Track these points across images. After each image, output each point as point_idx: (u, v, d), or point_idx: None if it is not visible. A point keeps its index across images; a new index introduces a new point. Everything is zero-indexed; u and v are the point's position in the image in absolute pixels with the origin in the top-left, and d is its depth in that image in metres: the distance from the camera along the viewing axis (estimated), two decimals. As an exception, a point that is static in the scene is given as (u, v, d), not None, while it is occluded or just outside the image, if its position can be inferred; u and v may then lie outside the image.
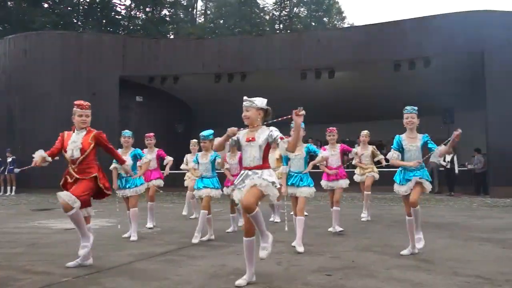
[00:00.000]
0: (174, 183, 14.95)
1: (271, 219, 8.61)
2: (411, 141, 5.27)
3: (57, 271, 4.54)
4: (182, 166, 9.33)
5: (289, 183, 6.02)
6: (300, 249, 5.52)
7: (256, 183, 3.98)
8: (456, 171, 15.73)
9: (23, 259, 5.19)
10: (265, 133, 4.12)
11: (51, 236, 7.05)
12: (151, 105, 19.95)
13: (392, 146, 5.39)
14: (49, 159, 4.84)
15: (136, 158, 7.02)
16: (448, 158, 15.56)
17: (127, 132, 7.26)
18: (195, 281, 4.13)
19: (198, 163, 6.82)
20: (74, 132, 4.90)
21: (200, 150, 7.13)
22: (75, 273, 4.43)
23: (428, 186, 5.22)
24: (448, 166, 15.70)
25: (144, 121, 18.92)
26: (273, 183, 4.02)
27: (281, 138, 4.04)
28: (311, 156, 6.27)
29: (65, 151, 4.83)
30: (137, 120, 19.07)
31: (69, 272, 4.50)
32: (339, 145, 7.40)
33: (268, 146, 4.14)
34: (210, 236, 6.60)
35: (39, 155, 4.82)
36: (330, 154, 7.26)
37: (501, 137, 14.74)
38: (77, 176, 4.75)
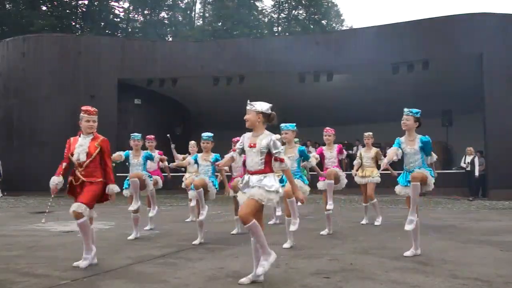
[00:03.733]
0: (172, 186, 14.96)
1: (272, 222, 8.62)
2: (410, 144, 5.29)
3: (56, 274, 4.53)
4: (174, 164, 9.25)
5: (282, 184, 6.03)
6: (288, 245, 5.89)
7: (254, 197, 4.03)
8: (476, 174, 14.98)
9: (21, 261, 5.17)
10: (266, 139, 4.13)
11: (50, 238, 7.04)
12: (150, 107, 19.95)
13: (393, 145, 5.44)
14: (61, 181, 4.91)
15: (147, 158, 7.12)
16: (469, 159, 15.32)
17: (136, 135, 7.34)
18: (193, 283, 4.13)
19: (197, 163, 6.79)
20: (80, 136, 4.98)
21: (199, 151, 7.13)
22: (73, 276, 4.43)
23: (430, 182, 5.23)
24: (469, 168, 15.19)
25: (143, 123, 18.89)
26: (274, 191, 4.07)
27: (281, 160, 4.14)
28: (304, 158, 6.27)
29: (72, 155, 4.92)
30: (135, 123, 19.06)
31: (68, 275, 4.49)
32: (336, 145, 7.40)
33: (270, 152, 4.16)
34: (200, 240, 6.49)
35: (52, 184, 4.87)
36: (327, 156, 7.28)
37: (499, 140, 14.76)
38: (84, 179, 4.82)
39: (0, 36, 27.31)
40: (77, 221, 4.73)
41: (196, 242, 6.36)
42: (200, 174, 6.70)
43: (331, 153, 7.27)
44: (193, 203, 8.45)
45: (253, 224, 3.98)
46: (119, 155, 6.90)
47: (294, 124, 6.23)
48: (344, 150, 7.58)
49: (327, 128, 7.33)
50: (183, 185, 9.55)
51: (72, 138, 5.04)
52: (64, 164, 4.98)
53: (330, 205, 6.96)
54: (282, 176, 6.17)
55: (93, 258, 4.92)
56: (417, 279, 4.20)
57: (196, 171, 9.09)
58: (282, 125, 6.14)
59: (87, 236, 4.84)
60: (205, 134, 6.63)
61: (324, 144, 7.50)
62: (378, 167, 8.74)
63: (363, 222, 8.57)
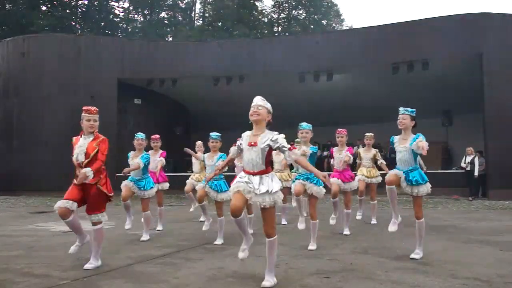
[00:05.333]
0: (173, 186, 14.93)
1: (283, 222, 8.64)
2: (402, 143, 5.30)
3: (56, 274, 4.53)
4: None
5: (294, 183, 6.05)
6: (313, 247, 5.84)
7: (266, 205, 4.00)
8: (476, 174, 14.80)
9: (21, 262, 5.18)
10: (267, 137, 4.05)
11: (50, 238, 7.04)
12: (150, 107, 19.95)
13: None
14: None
15: (148, 159, 7.07)
16: (469, 159, 15.27)
17: (140, 134, 7.24)
18: (193, 283, 4.13)
19: (205, 164, 6.80)
20: (81, 136, 4.99)
21: (206, 151, 7.12)
22: (73, 276, 4.43)
23: (427, 188, 5.19)
24: (469, 168, 15.11)
25: (143, 123, 18.91)
26: (279, 189, 4.07)
27: (290, 149, 4.08)
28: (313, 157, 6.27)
29: (72, 155, 4.94)
30: (135, 123, 19.07)
31: (68, 275, 4.49)
32: (347, 148, 7.43)
33: (271, 150, 4.08)
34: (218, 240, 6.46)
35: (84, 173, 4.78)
36: (337, 157, 7.32)
37: (499, 140, 14.76)
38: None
39: (0, 36, 27.30)
40: (94, 227, 4.84)
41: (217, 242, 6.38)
42: (207, 175, 6.64)
43: (341, 155, 7.32)
44: (192, 209, 9.11)
45: (276, 239, 4.06)
46: (137, 164, 6.77)
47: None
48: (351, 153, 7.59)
49: (339, 129, 7.43)
50: (185, 189, 9.52)
51: (74, 138, 5.05)
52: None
53: (332, 220, 7.12)
54: (297, 177, 6.16)
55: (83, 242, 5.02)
56: (417, 279, 4.20)
57: (201, 171, 9.09)
58: (303, 124, 6.14)
59: (100, 243, 4.90)
60: (214, 134, 6.59)
61: (325, 145, 7.56)
62: (378, 167, 8.83)
63: (358, 217, 8.69)
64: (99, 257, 4.90)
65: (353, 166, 8.56)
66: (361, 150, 8.88)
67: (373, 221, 8.59)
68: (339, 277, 4.32)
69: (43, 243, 6.60)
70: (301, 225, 5.99)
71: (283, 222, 8.67)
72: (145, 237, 6.87)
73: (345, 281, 4.15)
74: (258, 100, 4.15)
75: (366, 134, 8.78)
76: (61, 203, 4.76)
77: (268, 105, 4.15)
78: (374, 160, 8.71)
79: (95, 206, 4.84)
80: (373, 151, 8.75)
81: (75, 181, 4.87)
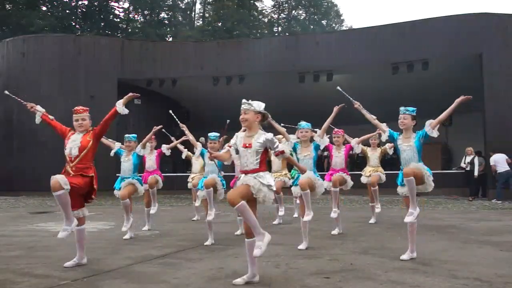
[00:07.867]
0: (172, 186, 14.97)
1: (276, 222, 8.62)
2: (406, 141, 5.26)
3: (56, 274, 4.53)
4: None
5: (296, 184, 6.04)
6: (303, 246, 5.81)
7: (249, 183, 4.01)
8: (476, 174, 14.72)
9: (21, 262, 5.18)
10: (261, 138, 4.12)
11: (50, 239, 7.03)
12: (150, 107, 19.92)
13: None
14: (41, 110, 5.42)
15: (139, 157, 7.10)
16: (468, 159, 15.31)
17: (128, 137, 7.25)
18: (193, 284, 4.13)
19: (203, 158, 6.90)
20: (75, 133, 5.04)
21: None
22: (73, 276, 4.43)
23: (429, 181, 5.17)
24: (468, 168, 15.11)
25: (143, 123, 18.88)
26: (268, 186, 4.04)
27: (282, 152, 4.21)
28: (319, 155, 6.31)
29: (65, 148, 4.94)
30: (135, 123, 19.04)
31: (68, 275, 4.49)
32: (344, 147, 7.46)
33: (266, 151, 4.17)
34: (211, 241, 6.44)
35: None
36: (335, 155, 7.36)
37: (499, 140, 14.75)
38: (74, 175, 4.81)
39: (0, 36, 27.26)
40: (55, 192, 4.50)
41: (207, 243, 6.32)
42: (207, 173, 6.66)
43: (339, 153, 7.35)
44: (197, 203, 8.35)
45: (242, 204, 3.89)
46: (112, 142, 7.09)
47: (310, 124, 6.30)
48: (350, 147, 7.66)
49: (336, 129, 7.45)
50: (189, 185, 9.57)
51: (71, 132, 5.06)
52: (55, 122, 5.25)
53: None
54: (298, 176, 6.14)
55: (73, 228, 4.76)
56: (417, 279, 4.20)
57: (201, 171, 9.07)
58: (302, 123, 6.18)
59: (67, 207, 4.63)
60: (212, 134, 6.61)
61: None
62: (384, 166, 8.92)
63: (371, 221, 8.69)
64: (69, 220, 4.69)
65: (355, 163, 8.61)
66: (368, 150, 8.92)
67: (377, 209, 8.67)
68: (339, 277, 4.31)
69: (43, 243, 6.60)
70: (307, 218, 5.84)
71: (281, 212, 8.67)
72: (125, 226, 6.84)
73: (345, 281, 4.15)
74: (243, 104, 4.19)
75: (371, 134, 8.85)
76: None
77: (254, 106, 4.18)
78: (382, 159, 8.87)
79: (75, 179, 4.72)
80: (379, 149, 8.87)
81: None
